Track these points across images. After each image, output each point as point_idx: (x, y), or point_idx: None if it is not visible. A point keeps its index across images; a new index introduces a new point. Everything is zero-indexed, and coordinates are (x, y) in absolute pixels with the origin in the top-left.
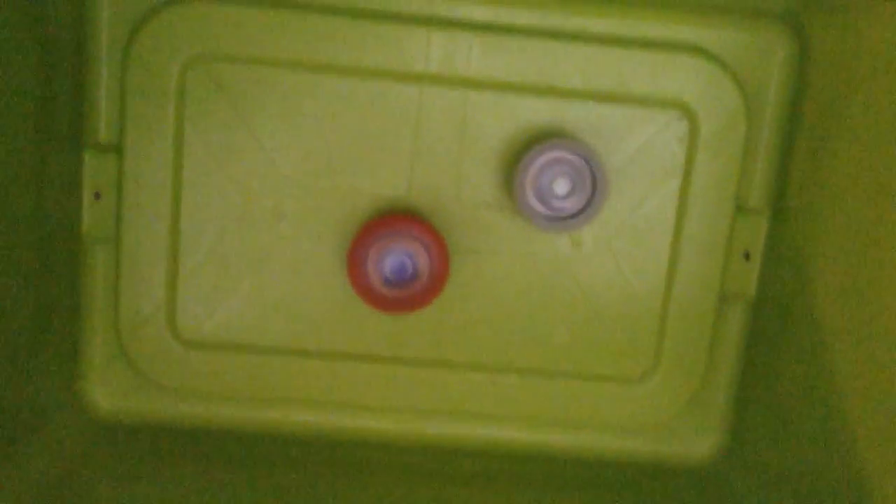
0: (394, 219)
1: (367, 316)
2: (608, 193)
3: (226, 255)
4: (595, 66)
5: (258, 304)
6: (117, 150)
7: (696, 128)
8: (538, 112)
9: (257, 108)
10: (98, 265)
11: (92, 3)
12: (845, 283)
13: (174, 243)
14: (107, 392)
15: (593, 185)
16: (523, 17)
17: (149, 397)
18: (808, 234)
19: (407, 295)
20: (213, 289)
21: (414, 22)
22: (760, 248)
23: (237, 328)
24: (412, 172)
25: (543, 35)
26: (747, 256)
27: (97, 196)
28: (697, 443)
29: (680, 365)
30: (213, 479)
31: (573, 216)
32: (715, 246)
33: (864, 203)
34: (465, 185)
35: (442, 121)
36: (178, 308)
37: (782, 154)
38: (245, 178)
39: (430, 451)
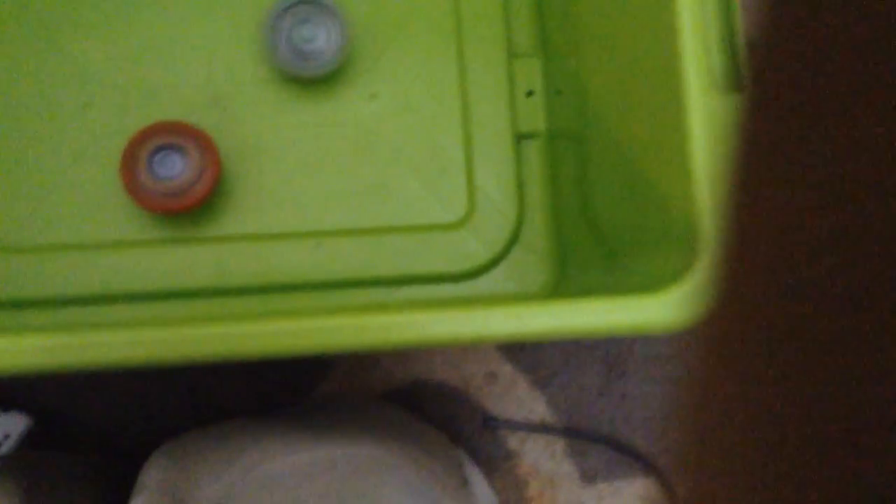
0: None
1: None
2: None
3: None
4: None
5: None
6: None
7: None
8: None
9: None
10: None
11: None
12: (618, 103)
13: None
14: None
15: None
16: None
17: None
18: (578, 69)
19: (180, 192)
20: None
21: None
22: (540, 87)
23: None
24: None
25: None
26: (530, 94)
27: None
28: (527, 284)
29: (493, 206)
30: None
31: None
32: (499, 89)
33: (615, 33)
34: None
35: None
36: None
37: (539, 3)
38: (51, 83)
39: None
